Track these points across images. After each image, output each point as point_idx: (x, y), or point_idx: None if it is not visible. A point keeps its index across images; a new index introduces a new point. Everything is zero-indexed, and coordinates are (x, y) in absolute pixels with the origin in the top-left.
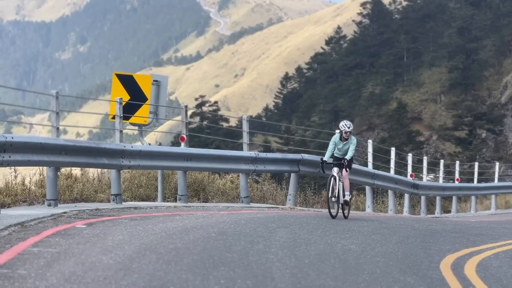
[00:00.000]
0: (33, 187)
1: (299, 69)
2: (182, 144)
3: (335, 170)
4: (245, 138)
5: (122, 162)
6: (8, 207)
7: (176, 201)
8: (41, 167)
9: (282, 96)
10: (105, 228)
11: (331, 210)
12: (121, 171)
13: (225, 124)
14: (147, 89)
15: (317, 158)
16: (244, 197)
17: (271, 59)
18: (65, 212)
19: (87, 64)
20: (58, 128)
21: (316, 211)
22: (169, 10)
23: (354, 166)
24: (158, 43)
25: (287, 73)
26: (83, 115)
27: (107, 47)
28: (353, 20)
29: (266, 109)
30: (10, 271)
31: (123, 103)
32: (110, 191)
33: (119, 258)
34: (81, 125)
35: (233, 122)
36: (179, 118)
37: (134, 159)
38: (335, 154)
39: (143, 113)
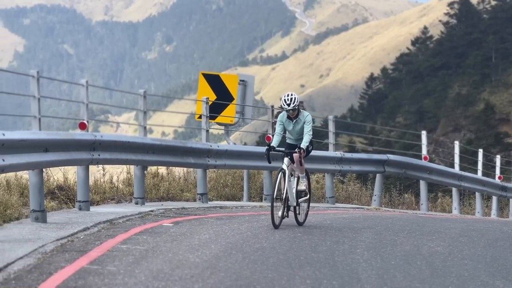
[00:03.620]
0: (120, 185)
1: (384, 70)
2: None
3: (285, 162)
4: (331, 138)
5: (208, 161)
6: (97, 205)
7: (261, 201)
8: (128, 166)
9: (367, 96)
10: (191, 227)
11: (274, 217)
12: (207, 171)
13: None
14: (234, 89)
15: (403, 159)
16: (330, 197)
17: (356, 59)
18: (152, 211)
19: (172, 63)
20: (145, 127)
21: (402, 212)
22: (254, 10)
23: (439, 167)
24: (243, 43)
25: (372, 74)
26: (168, 114)
27: (192, 46)
28: (439, 20)
29: (351, 109)
30: (100, 268)
31: (210, 102)
32: (196, 190)
33: (206, 256)
34: (166, 124)
35: (318, 122)
36: (264, 118)
37: (220, 159)
38: (287, 140)
39: (229, 113)
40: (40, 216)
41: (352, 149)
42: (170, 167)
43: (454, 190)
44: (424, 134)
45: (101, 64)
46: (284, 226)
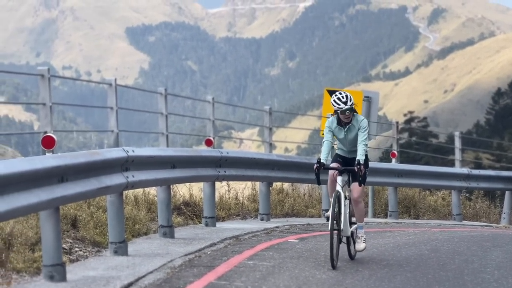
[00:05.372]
0: (245, 201)
1: None
2: (393, 160)
3: (339, 182)
4: (457, 155)
5: None
6: (222, 221)
7: (386, 217)
8: (252, 182)
9: (494, 112)
10: (317, 243)
11: (334, 254)
12: None
13: (434, 140)
14: (358, 105)
15: None
16: (456, 215)
17: (482, 74)
18: (277, 227)
19: (295, 79)
20: (270, 144)
21: None
22: (377, 26)
23: None
24: (366, 59)
25: (499, 89)
26: (291, 130)
27: (315, 62)
28: None
29: (477, 125)
30: (228, 283)
31: None
32: (321, 206)
33: (332, 273)
34: (289, 140)
35: (442, 138)
36: (387, 133)
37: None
38: (337, 151)
39: None
40: (168, 231)
41: (478, 166)
42: (295, 183)
43: None
44: None
45: (225, 80)
46: (410, 243)
